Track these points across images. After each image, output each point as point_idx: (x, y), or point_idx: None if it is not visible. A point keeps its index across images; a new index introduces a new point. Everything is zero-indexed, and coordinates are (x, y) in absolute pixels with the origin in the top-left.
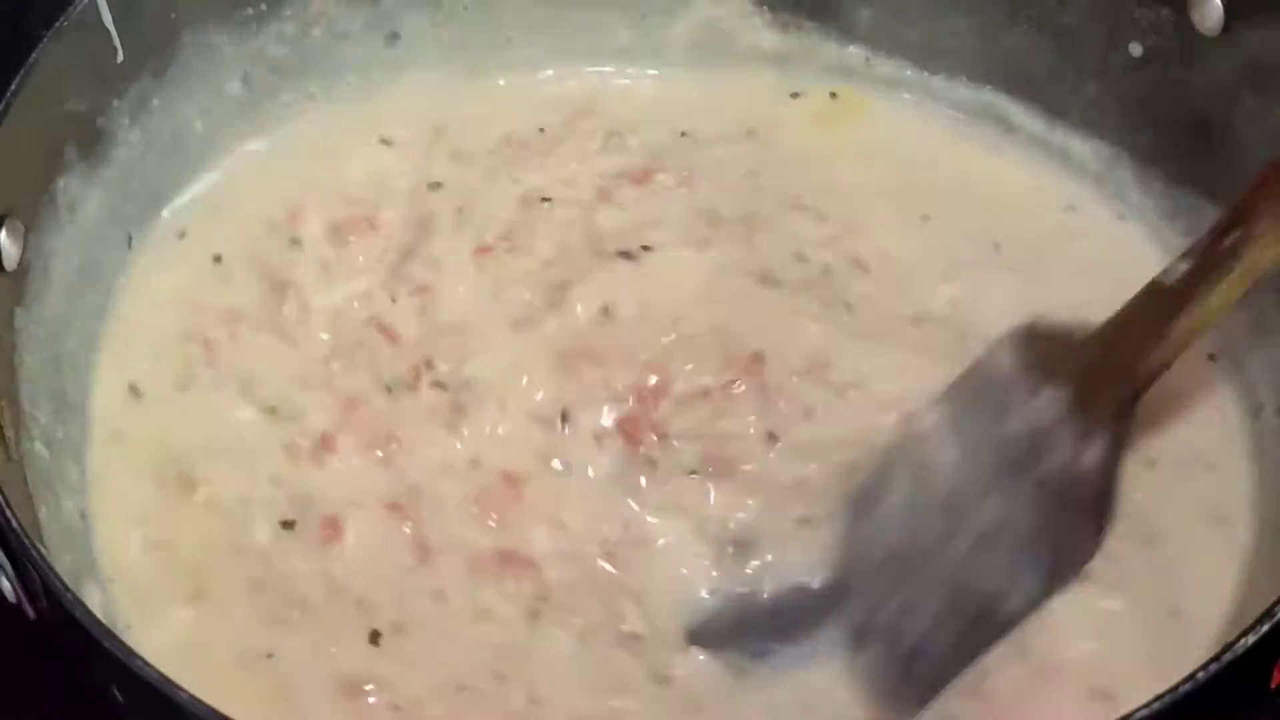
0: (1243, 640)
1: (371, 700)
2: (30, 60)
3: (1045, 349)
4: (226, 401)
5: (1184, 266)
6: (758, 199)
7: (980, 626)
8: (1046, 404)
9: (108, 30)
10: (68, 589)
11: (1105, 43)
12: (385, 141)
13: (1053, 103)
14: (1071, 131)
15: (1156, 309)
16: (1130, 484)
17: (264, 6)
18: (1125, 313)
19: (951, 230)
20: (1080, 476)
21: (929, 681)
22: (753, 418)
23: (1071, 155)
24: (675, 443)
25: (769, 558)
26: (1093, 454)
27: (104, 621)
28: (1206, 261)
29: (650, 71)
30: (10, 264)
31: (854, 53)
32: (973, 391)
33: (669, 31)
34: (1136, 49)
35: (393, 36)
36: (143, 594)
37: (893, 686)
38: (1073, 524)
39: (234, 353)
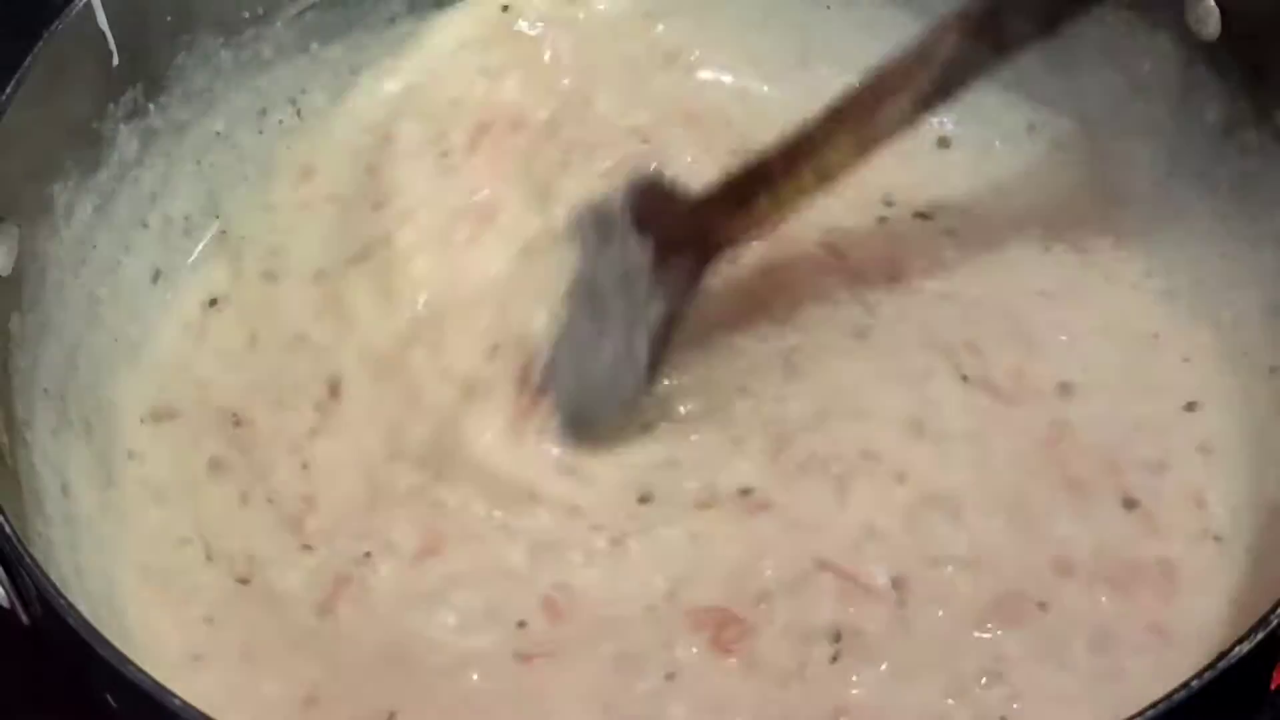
0: (1237, 649)
1: None
2: (25, 63)
3: (650, 202)
4: None
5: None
6: None
7: None
8: (636, 249)
9: (103, 33)
10: (61, 595)
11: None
12: None
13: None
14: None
15: (743, 187)
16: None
17: (260, 10)
18: (718, 184)
19: None
20: (648, 319)
21: None
22: None
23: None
24: None
25: None
26: (657, 306)
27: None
28: (793, 148)
29: None
30: (4, 269)
31: None
32: (598, 220)
33: None
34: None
35: None
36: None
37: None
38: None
39: None
